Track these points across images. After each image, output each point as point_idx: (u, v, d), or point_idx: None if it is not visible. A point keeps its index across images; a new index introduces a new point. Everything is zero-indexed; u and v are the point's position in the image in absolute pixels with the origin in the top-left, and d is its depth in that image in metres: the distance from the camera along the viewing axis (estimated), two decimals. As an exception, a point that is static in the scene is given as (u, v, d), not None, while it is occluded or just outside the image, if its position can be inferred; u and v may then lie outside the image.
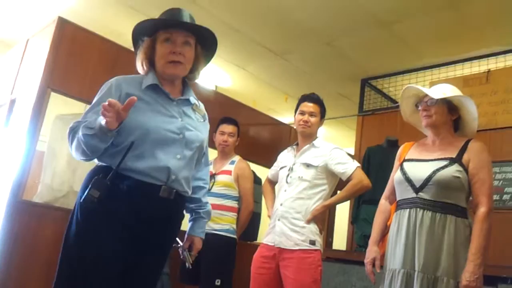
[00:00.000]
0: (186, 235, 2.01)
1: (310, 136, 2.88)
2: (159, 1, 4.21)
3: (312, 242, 2.65)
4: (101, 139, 1.60)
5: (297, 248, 2.64)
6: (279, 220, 2.73)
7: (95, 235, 1.63)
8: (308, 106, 2.88)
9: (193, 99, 1.91)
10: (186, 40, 1.81)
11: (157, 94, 1.80)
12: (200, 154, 1.93)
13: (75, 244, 1.64)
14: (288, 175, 2.81)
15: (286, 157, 2.96)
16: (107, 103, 1.49)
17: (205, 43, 1.90)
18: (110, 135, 1.60)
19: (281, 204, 2.76)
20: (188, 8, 1.95)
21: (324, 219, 2.78)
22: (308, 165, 2.77)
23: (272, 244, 2.71)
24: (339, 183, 2.86)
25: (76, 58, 3.46)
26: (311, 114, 2.86)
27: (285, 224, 2.70)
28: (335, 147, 2.83)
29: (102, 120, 1.54)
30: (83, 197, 1.60)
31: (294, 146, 2.95)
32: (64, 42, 3.40)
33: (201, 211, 2.02)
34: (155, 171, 1.69)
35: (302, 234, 2.66)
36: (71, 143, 1.70)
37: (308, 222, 2.67)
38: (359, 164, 2.79)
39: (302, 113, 2.88)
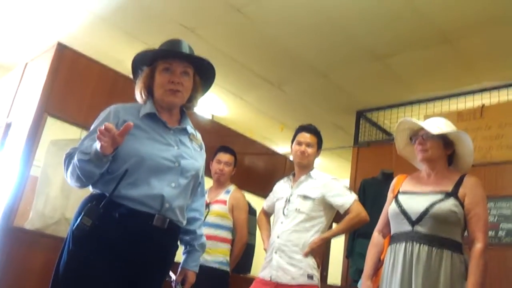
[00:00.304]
0: (179, 268, 1.98)
1: (307, 167, 2.87)
2: (158, 29, 4.29)
3: (310, 276, 2.61)
4: (96, 165, 1.59)
5: (294, 283, 2.59)
6: (276, 253, 2.69)
7: (86, 264, 1.60)
8: (306, 137, 2.88)
9: (190, 129, 1.92)
10: (185, 70, 1.82)
11: (155, 122, 1.80)
12: (196, 183, 1.92)
13: (66, 273, 1.61)
14: (285, 206, 2.78)
15: (282, 188, 2.95)
16: (103, 127, 1.49)
17: (203, 74, 1.92)
18: (105, 160, 1.59)
19: (278, 237, 2.73)
20: (187, 37, 1.98)
21: (321, 252, 2.74)
22: (305, 197, 2.75)
23: (269, 279, 2.66)
24: (336, 214, 2.83)
25: (74, 84, 3.46)
26: (308, 145, 2.86)
27: (282, 257, 2.66)
28: (332, 178, 2.82)
29: (97, 145, 1.54)
30: (75, 225, 1.58)
31: (291, 177, 2.94)
32: (63, 67, 3.41)
33: (195, 243, 1.99)
34: (149, 199, 1.67)
35: (299, 268, 2.62)
36: (67, 169, 1.69)
37: (306, 255, 2.64)
38: (356, 196, 2.77)
39: (299, 144, 2.87)
